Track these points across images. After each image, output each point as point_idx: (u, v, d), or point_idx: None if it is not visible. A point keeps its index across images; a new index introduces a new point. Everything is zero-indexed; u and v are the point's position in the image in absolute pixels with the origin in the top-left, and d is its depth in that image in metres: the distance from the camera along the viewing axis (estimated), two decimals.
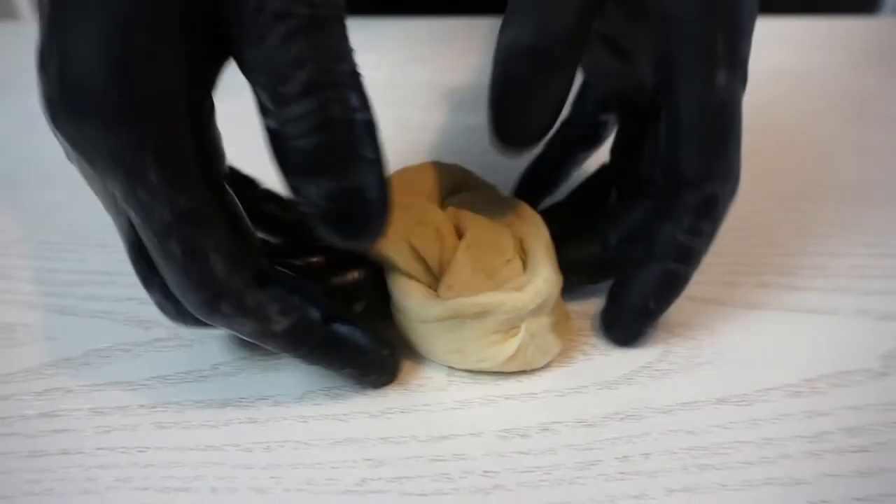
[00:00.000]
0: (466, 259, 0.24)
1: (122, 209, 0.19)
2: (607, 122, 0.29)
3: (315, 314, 0.22)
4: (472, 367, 0.25)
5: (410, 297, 0.24)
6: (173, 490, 0.21)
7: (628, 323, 0.25)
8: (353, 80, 0.19)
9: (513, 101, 0.22)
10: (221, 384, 0.24)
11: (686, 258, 0.24)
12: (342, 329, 0.22)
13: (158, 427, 0.23)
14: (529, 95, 0.22)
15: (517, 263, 0.25)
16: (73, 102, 0.18)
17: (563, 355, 0.25)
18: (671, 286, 0.24)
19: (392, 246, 0.24)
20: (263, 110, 0.19)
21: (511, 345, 0.24)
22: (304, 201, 0.19)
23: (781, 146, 0.38)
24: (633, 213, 0.25)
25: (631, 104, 0.26)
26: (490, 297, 0.23)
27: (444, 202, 0.27)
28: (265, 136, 0.19)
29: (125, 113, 0.18)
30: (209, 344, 0.26)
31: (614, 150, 0.27)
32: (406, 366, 0.25)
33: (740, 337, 0.26)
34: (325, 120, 0.18)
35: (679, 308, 0.27)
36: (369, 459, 0.22)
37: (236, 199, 0.21)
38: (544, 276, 0.24)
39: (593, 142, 0.30)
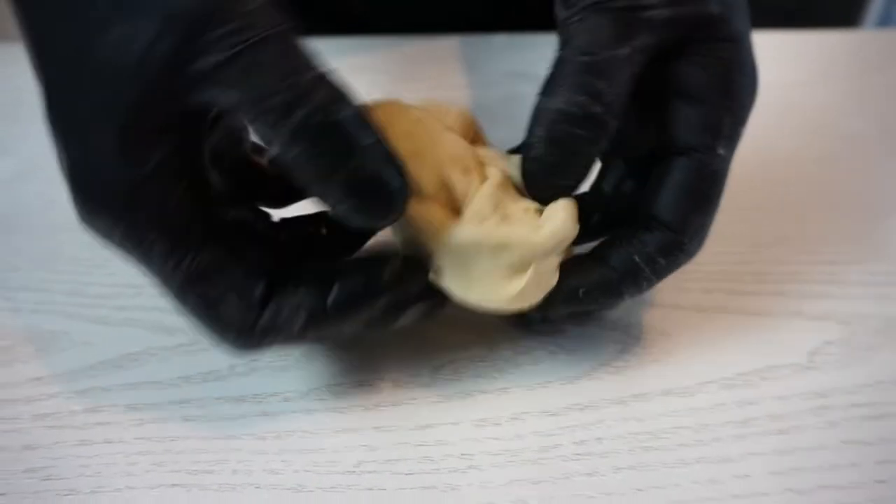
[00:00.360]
0: (489, 198, 0.25)
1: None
2: None
3: (315, 295, 0.23)
4: (475, 301, 0.25)
5: (435, 220, 0.24)
6: (200, 472, 0.25)
7: (553, 301, 0.25)
8: (321, 83, 0.20)
9: (552, 160, 0.24)
10: (238, 383, 0.28)
11: (633, 280, 0.25)
12: (354, 281, 0.23)
13: (185, 419, 0.27)
14: (572, 156, 0.24)
15: (535, 217, 0.25)
16: (85, 202, 0.21)
17: (531, 355, 0.29)
18: (608, 294, 0.26)
19: (422, 173, 0.24)
20: (267, 143, 0.21)
21: (518, 283, 0.24)
22: (334, 206, 0.21)
23: (739, 159, 0.41)
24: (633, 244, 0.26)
25: (625, 150, 0.28)
26: (512, 231, 0.24)
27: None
28: (279, 163, 0.21)
29: (128, 204, 0.21)
30: None
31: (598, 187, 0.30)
32: (395, 366, 0.29)
33: (687, 336, 0.30)
34: (315, 129, 0.20)
35: (635, 312, 0.31)
36: (365, 445, 0.26)
37: (234, 226, 0.23)
38: (560, 220, 0.24)
39: None
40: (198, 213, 0.22)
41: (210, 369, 0.29)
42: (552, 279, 0.25)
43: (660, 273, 0.26)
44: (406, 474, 0.25)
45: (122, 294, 0.32)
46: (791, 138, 0.44)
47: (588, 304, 0.26)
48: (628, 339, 0.30)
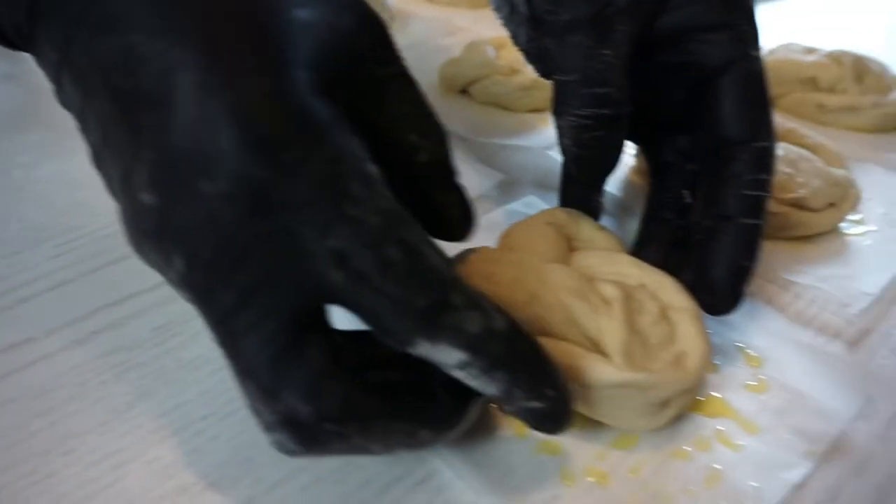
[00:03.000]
0: (620, 322, 0.24)
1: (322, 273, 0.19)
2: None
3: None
4: (612, 424, 0.26)
5: (575, 361, 0.24)
6: None
7: (728, 288, 0.27)
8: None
9: (585, 164, 0.29)
10: None
11: (756, 211, 0.27)
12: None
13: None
14: (601, 154, 0.28)
15: (663, 327, 0.25)
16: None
17: None
18: (753, 239, 0.27)
19: (546, 314, 0.25)
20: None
21: (661, 418, 0.25)
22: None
23: None
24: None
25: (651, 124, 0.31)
26: (662, 374, 0.24)
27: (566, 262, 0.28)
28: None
29: None
30: None
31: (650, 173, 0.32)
32: None
33: None
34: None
35: None
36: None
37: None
38: (700, 354, 0.25)
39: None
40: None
41: None
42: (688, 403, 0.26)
43: (769, 184, 0.27)
44: None
45: None
46: None
47: (753, 264, 0.27)
48: None
